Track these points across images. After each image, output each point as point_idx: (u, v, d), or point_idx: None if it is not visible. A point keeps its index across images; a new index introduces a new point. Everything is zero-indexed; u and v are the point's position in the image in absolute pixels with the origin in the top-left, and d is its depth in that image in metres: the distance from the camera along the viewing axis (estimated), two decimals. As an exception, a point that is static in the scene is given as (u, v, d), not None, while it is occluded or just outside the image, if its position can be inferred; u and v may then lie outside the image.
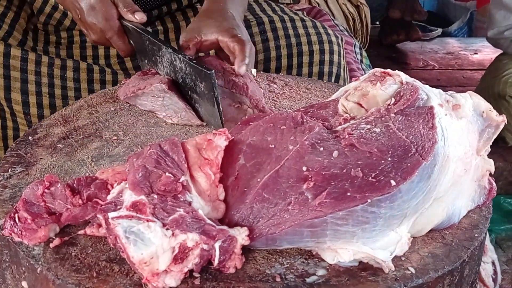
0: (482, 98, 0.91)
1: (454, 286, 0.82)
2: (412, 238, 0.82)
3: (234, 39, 1.19)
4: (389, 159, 0.79)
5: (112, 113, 1.17)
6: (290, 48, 1.52)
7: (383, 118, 0.84)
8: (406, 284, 0.76)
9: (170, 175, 0.79)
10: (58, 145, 1.05)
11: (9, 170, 0.96)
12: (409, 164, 0.78)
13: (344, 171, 0.78)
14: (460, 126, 0.86)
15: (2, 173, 0.95)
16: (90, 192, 0.83)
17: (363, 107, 0.88)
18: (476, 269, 0.89)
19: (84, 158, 1.01)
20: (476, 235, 0.87)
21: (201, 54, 1.29)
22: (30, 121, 1.41)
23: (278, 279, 0.76)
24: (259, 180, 0.80)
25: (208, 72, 1.05)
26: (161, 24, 1.55)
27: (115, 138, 1.08)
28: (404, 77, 0.90)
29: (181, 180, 0.79)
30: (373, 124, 0.83)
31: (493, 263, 1.54)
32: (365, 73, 1.87)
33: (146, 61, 1.24)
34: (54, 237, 0.81)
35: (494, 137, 0.90)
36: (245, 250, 0.79)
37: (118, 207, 0.77)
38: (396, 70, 0.91)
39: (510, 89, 2.07)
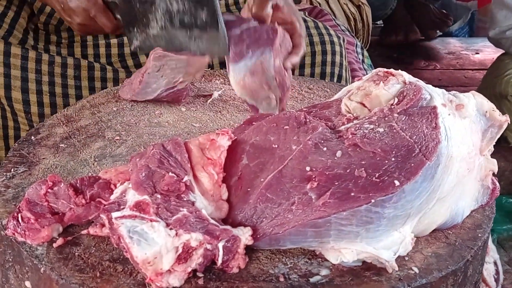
0: (485, 97, 0.91)
1: (457, 286, 0.82)
2: (415, 238, 0.82)
3: (301, 27, 1.18)
4: (393, 159, 0.78)
5: (115, 113, 1.17)
6: None
7: (386, 118, 0.83)
8: (409, 284, 0.76)
9: (173, 175, 0.79)
10: (61, 145, 1.05)
11: (12, 170, 0.96)
12: (412, 164, 0.78)
13: (348, 171, 0.78)
14: (464, 126, 0.86)
15: (4, 173, 0.95)
16: (93, 192, 0.83)
17: (366, 107, 0.88)
18: (480, 269, 0.89)
19: (87, 158, 1.01)
20: (479, 235, 0.87)
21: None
22: (31, 119, 1.41)
23: (281, 279, 0.76)
24: (262, 180, 0.80)
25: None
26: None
27: (118, 138, 1.08)
28: (407, 76, 0.90)
29: (184, 180, 0.79)
30: (377, 124, 0.83)
31: (495, 263, 1.54)
32: (366, 73, 1.87)
33: (136, 29, 1.19)
34: (57, 237, 0.81)
35: (497, 136, 0.90)
36: (249, 250, 0.79)
37: (122, 207, 0.77)
38: (399, 70, 0.91)
39: (511, 88, 2.07)
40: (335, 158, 0.79)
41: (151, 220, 0.74)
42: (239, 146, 0.85)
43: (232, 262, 0.76)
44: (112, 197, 0.80)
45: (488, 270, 1.45)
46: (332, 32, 1.57)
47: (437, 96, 0.86)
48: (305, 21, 1.56)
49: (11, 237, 0.82)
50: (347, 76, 1.60)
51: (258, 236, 0.78)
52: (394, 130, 0.81)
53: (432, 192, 0.80)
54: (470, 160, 0.86)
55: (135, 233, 0.73)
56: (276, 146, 0.83)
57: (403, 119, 0.83)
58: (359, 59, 1.94)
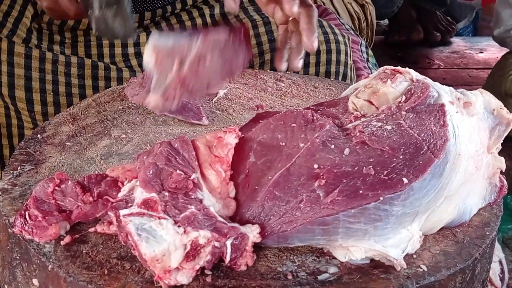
0: (492, 95, 0.91)
1: (466, 284, 0.82)
2: (423, 236, 0.82)
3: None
4: (401, 156, 0.78)
5: (120, 111, 1.17)
6: None
7: (394, 116, 0.83)
8: (418, 282, 0.76)
9: (181, 172, 0.79)
10: (67, 143, 1.05)
11: (19, 168, 0.96)
12: (421, 162, 0.78)
13: (356, 168, 0.78)
14: (471, 124, 0.86)
15: (11, 171, 0.95)
16: (101, 189, 0.83)
17: (373, 104, 0.88)
18: (487, 267, 0.89)
19: (93, 156, 1.01)
20: (487, 233, 0.87)
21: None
22: (34, 118, 1.41)
23: (289, 277, 0.76)
24: (270, 177, 0.80)
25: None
26: (167, 24, 1.55)
27: (124, 136, 1.08)
28: (414, 74, 0.89)
29: (192, 178, 0.79)
30: (384, 121, 0.83)
31: (500, 262, 1.54)
32: (371, 72, 1.87)
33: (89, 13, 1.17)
34: (64, 235, 0.81)
35: (505, 134, 0.90)
36: (256, 247, 0.78)
37: (129, 204, 0.77)
38: (407, 68, 0.91)
39: (516, 87, 2.07)
40: (343, 155, 0.79)
41: (159, 218, 0.74)
42: (246, 144, 0.85)
43: (240, 259, 0.76)
44: (120, 195, 0.80)
45: (494, 269, 1.44)
46: (337, 31, 1.57)
47: (444, 93, 0.86)
48: (309, 19, 1.56)
49: (18, 235, 0.81)
50: (352, 75, 1.59)
51: (266, 233, 0.78)
52: (402, 128, 0.81)
53: (440, 190, 0.80)
54: (478, 158, 0.86)
55: (143, 231, 0.73)
56: (283, 143, 0.83)
57: (411, 116, 0.83)
58: (364, 58, 1.94)
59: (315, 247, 0.80)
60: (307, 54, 1.52)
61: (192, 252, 0.73)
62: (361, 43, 1.95)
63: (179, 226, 0.74)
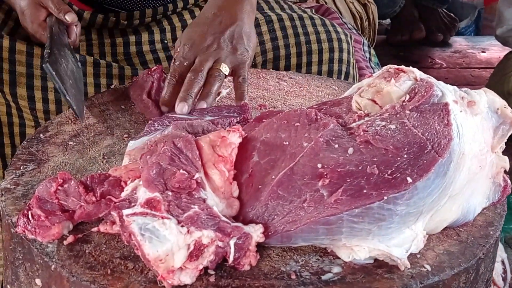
0: (496, 94, 0.90)
1: (469, 284, 0.82)
2: (427, 236, 0.81)
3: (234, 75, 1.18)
4: (405, 156, 0.78)
5: (123, 111, 1.17)
6: (300, 47, 1.51)
7: (398, 115, 0.83)
8: (422, 282, 0.76)
9: (184, 172, 0.78)
10: (70, 143, 1.04)
11: (21, 168, 0.96)
12: (425, 161, 0.78)
13: (360, 168, 0.77)
14: (475, 123, 0.85)
15: (14, 171, 0.95)
16: (104, 189, 0.83)
17: (377, 104, 0.88)
18: (491, 267, 0.89)
19: (96, 155, 1.01)
20: (491, 232, 0.87)
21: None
22: (36, 116, 1.40)
23: (293, 276, 0.76)
24: (273, 177, 0.80)
25: (43, 65, 1.11)
26: (168, 23, 1.55)
27: (126, 136, 1.07)
28: (418, 73, 0.89)
29: (195, 177, 0.79)
30: (388, 121, 0.82)
31: (503, 262, 1.53)
32: (373, 71, 1.87)
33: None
34: (67, 235, 0.81)
35: (509, 134, 0.90)
36: (260, 247, 0.78)
37: (132, 204, 0.77)
38: (410, 67, 0.91)
39: (519, 87, 2.06)
40: (347, 155, 0.79)
41: (162, 217, 0.74)
42: (249, 143, 0.85)
43: (244, 259, 0.76)
44: (123, 195, 0.80)
45: (496, 269, 1.44)
46: (339, 29, 1.57)
47: (448, 93, 0.86)
48: (312, 18, 1.55)
49: (21, 235, 0.81)
50: (355, 73, 1.59)
51: (270, 233, 0.78)
52: (406, 127, 0.81)
53: (444, 189, 0.80)
54: (482, 158, 0.85)
55: (147, 231, 0.73)
56: (287, 143, 0.83)
57: (415, 116, 0.83)
58: (366, 57, 1.93)
59: (318, 246, 0.80)
60: (310, 53, 1.52)
61: (196, 252, 0.73)
62: (363, 42, 1.95)
63: (182, 226, 0.74)
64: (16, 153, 1.01)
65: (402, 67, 0.90)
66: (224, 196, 0.80)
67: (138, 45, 1.51)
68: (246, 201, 0.80)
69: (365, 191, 0.75)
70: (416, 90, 0.86)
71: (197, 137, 0.84)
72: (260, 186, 0.80)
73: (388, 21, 3.48)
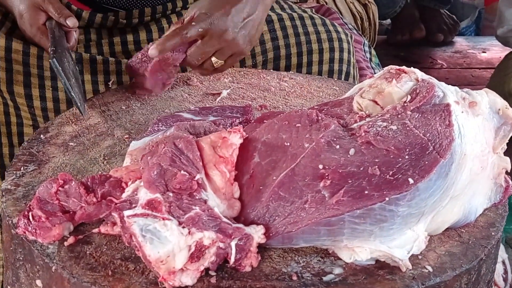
0: (498, 95, 0.90)
1: (471, 285, 0.81)
2: (429, 237, 0.81)
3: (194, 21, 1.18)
4: (407, 157, 0.78)
5: (124, 111, 1.17)
6: (300, 47, 1.51)
7: (399, 116, 0.83)
8: (423, 283, 0.76)
9: (185, 173, 0.78)
10: (70, 144, 1.04)
11: (22, 169, 0.96)
12: (426, 162, 0.77)
13: (361, 169, 0.77)
14: (477, 124, 0.85)
15: (14, 172, 0.95)
16: (104, 190, 0.82)
17: (378, 104, 0.87)
18: (493, 268, 0.89)
19: (96, 156, 1.01)
20: (493, 233, 0.86)
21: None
22: (34, 114, 1.40)
23: (294, 278, 0.75)
24: (274, 178, 0.80)
25: (50, 60, 1.13)
26: (167, 22, 1.54)
27: (127, 136, 1.07)
28: (419, 74, 0.89)
29: (196, 178, 0.79)
30: (390, 121, 0.82)
31: (503, 263, 1.53)
32: (374, 72, 1.87)
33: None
34: (68, 236, 0.81)
35: (510, 134, 0.89)
36: (261, 248, 0.78)
37: (133, 205, 0.77)
38: (411, 67, 0.91)
39: (520, 87, 2.06)
40: (348, 156, 0.79)
41: (163, 219, 0.74)
42: (250, 144, 0.85)
43: (245, 260, 0.75)
44: (124, 196, 0.80)
45: (497, 270, 1.44)
46: (339, 29, 1.57)
47: (450, 93, 0.86)
48: (312, 18, 1.55)
49: (21, 236, 0.81)
50: (355, 73, 1.59)
51: (271, 234, 0.77)
52: (408, 128, 0.81)
53: (446, 190, 0.80)
54: (483, 158, 0.85)
55: (148, 232, 0.73)
56: (288, 144, 0.83)
57: (416, 116, 0.82)
58: (367, 57, 1.93)
59: (320, 247, 0.80)
60: (310, 53, 1.52)
61: (197, 253, 0.73)
62: (364, 42, 1.95)
63: (183, 227, 0.74)
64: (17, 153, 1.01)
65: (404, 67, 0.90)
66: (225, 197, 0.80)
67: (136, 44, 1.50)
68: (247, 202, 0.80)
69: (366, 192, 0.75)
70: (418, 91, 0.86)
71: (198, 138, 0.84)
72: (261, 187, 0.80)
73: (388, 21, 3.47)
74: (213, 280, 0.74)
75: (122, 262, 0.77)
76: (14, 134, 1.43)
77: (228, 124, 1.03)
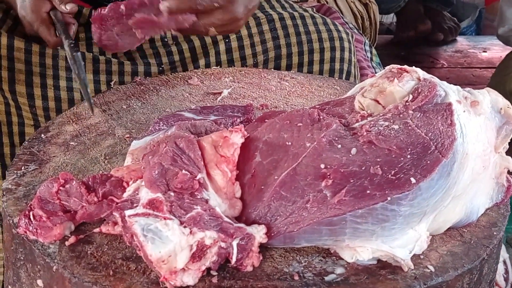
0: (500, 94, 0.90)
1: (473, 285, 0.81)
2: (431, 237, 0.81)
3: None
4: (409, 156, 0.78)
5: (125, 111, 1.17)
6: (301, 46, 1.51)
7: (401, 115, 0.83)
8: (425, 283, 0.76)
9: (186, 172, 0.78)
10: (71, 143, 1.04)
11: (23, 168, 0.96)
12: (428, 162, 0.77)
13: (363, 168, 0.77)
14: (479, 123, 0.85)
15: (15, 171, 0.95)
16: (106, 189, 0.82)
17: (380, 104, 0.87)
18: (495, 268, 0.89)
19: (97, 156, 1.01)
20: (494, 233, 0.86)
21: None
22: (35, 113, 1.40)
23: (296, 278, 0.75)
24: (276, 177, 0.80)
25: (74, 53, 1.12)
26: None
27: (128, 136, 1.07)
28: (421, 73, 0.89)
29: (197, 178, 0.78)
30: (391, 121, 0.82)
31: (504, 262, 1.53)
32: (375, 71, 1.86)
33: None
34: (69, 235, 0.81)
35: (512, 134, 0.89)
36: (262, 248, 0.78)
37: (135, 204, 0.77)
38: (413, 67, 0.90)
39: (521, 86, 2.06)
40: (350, 155, 0.79)
41: (165, 218, 0.74)
42: (252, 143, 0.84)
43: (246, 260, 0.75)
44: (125, 195, 0.80)
45: (498, 269, 1.44)
46: (340, 28, 1.57)
47: (452, 92, 0.86)
48: (313, 17, 1.55)
49: (22, 236, 0.81)
50: (356, 73, 1.59)
51: (273, 234, 0.77)
52: (409, 127, 0.81)
53: (448, 189, 0.80)
54: (485, 158, 0.85)
55: (149, 231, 0.73)
56: (289, 143, 0.82)
57: (418, 116, 0.82)
58: (368, 57, 1.93)
59: (321, 247, 0.80)
60: (311, 52, 1.52)
61: (198, 253, 0.73)
62: (364, 42, 1.94)
63: (185, 227, 0.73)
64: (17, 153, 1.00)
65: (405, 67, 0.90)
66: (227, 197, 0.80)
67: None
68: (248, 201, 0.80)
69: (368, 191, 0.75)
70: (419, 90, 0.85)
71: (199, 138, 0.83)
72: (262, 187, 0.80)
73: (389, 20, 3.47)
74: (214, 280, 0.74)
75: (123, 262, 0.77)
76: (15, 134, 1.43)
77: (229, 123, 1.03)
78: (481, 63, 3.08)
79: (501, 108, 0.88)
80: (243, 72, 1.36)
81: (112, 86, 1.35)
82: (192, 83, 1.30)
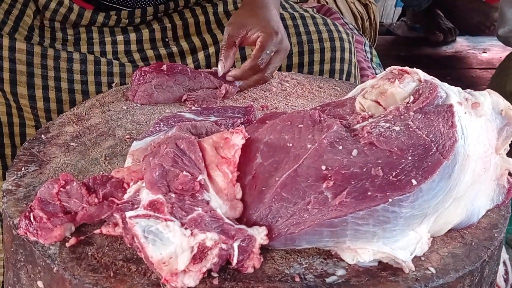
0: (500, 96, 0.90)
1: (474, 287, 0.81)
2: (431, 238, 0.81)
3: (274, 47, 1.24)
4: (410, 158, 0.78)
5: (125, 111, 1.17)
6: (301, 46, 1.51)
7: (402, 117, 0.82)
8: (426, 285, 0.75)
9: (187, 174, 0.78)
10: (71, 144, 1.04)
11: (23, 169, 0.95)
12: (429, 163, 0.77)
13: (364, 170, 0.77)
14: (480, 125, 0.85)
15: (16, 172, 0.94)
16: (106, 191, 0.82)
17: (381, 105, 0.87)
18: (496, 269, 0.88)
19: (98, 157, 1.00)
20: (495, 234, 0.86)
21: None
22: (37, 115, 1.40)
23: (297, 279, 0.75)
24: (277, 179, 0.79)
25: None
26: (169, 21, 1.54)
27: (128, 137, 1.07)
28: (422, 74, 0.89)
29: (198, 179, 0.78)
30: (393, 122, 0.82)
31: (504, 263, 1.53)
32: (375, 72, 1.86)
33: None
34: (69, 237, 0.80)
35: (513, 136, 0.89)
36: (263, 250, 0.78)
37: (135, 206, 0.76)
38: (414, 68, 0.90)
39: (521, 87, 2.06)
40: (351, 157, 0.79)
41: (165, 220, 0.74)
42: (253, 144, 0.84)
43: (247, 262, 0.75)
44: (126, 196, 0.80)
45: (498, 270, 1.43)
46: (341, 28, 1.57)
47: (453, 94, 0.86)
48: (314, 17, 1.55)
49: (23, 237, 0.81)
50: (356, 73, 1.59)
51: (274, 235, 0.77)
52: (411, 129, 0.81)
53: (449, 191, 0.79)
54: (486, 159, 0.85)
55: (150, 233, 0.73)
56: (290, 144, 0.82)
57: (419, 117, 0.82)
58: (368, 57, 1.93)
59: (322, 249, 0.80)
60: (312, 52, 1.52)
61: (199, 255, 0.73)
62: (364, 42, 1.94)
63: (186, 228, 0.73)
64: (18, 154, 1.00)
65: (406, 68, 0.90)
66: (228, 198, 0.79)
67: (139, 43, 1.50)
68: (249, 203, 0.80)
69: (369, 193, 0.75)
70: (420, 92, 0.85)
71: (200, 139, 0.83)
72: (263, 188, 0.80)
73: (389, 21, 3.47)
74: (215, 282, 0.74)
75: (124, 263, 0.77)
76: (17, 135, 1.43)
77: (230, 124, 1.03)
78: (481, 64, 3.08)
79: (502, 110, 0.88)
80: (243, 72, 1.35)
81: (113, 88, 1.35)
82: (193, 83, 1.29)
